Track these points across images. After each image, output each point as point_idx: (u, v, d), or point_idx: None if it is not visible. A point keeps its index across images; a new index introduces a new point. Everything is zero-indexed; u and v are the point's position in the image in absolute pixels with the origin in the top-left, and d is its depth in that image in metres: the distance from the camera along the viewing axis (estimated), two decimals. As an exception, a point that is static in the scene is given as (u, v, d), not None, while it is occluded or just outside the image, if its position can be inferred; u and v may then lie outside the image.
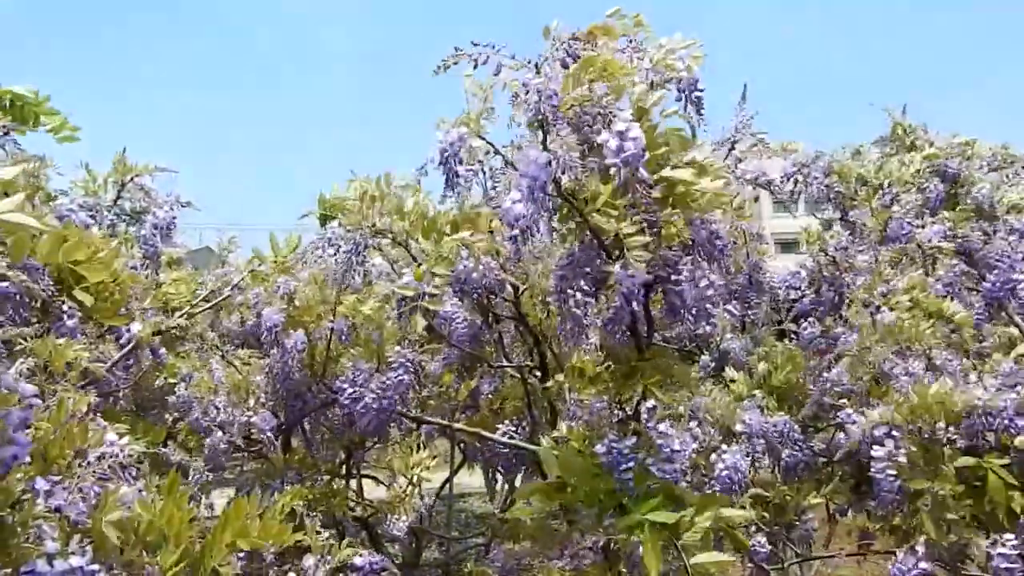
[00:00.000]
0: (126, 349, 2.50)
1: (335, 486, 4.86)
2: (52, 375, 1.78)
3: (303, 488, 4.41)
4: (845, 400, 3.27)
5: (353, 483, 5.67)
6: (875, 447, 2.63)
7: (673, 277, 2.71)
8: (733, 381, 3.67)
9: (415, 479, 5.00)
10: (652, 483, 2.62)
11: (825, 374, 3.26)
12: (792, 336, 4.11)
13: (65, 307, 2.33)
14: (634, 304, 2.43)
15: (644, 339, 2.92)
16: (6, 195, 1.53)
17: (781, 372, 3.71)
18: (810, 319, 3.73)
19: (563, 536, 4.08)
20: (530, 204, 2.27)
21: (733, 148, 3.58)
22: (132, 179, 3.20)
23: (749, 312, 3.98)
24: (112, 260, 1.99)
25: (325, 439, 5.65)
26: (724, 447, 3.02)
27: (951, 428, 2.70)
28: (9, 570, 1.34)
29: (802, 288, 4.14)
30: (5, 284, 2.09)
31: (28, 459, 1.42)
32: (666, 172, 2.45)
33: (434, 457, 5.03)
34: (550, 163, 2.29)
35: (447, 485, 6.21)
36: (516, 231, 2.32)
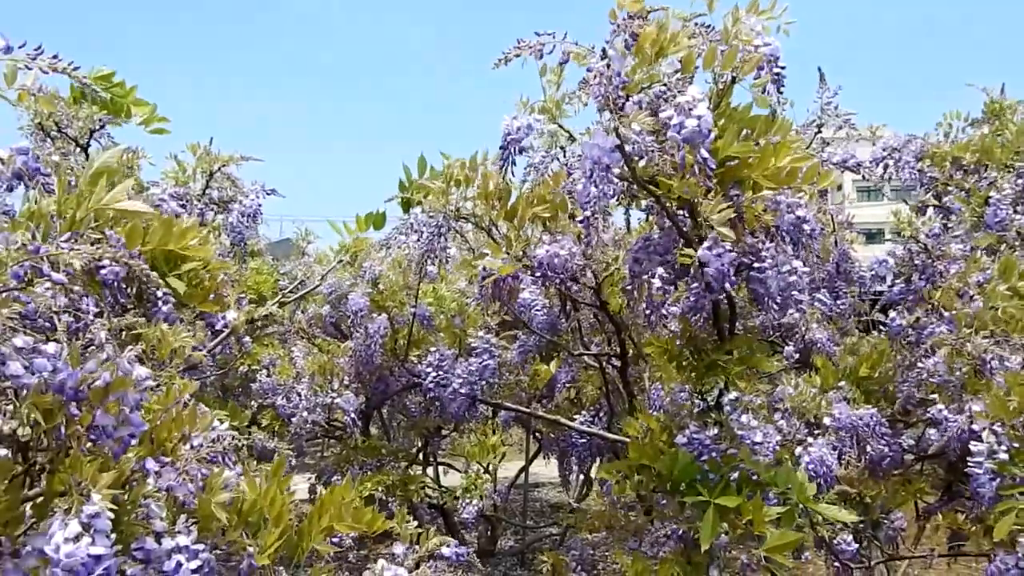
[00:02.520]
0: (222, 336, 2.57)
1: (412, 472, 4.95)
2: (158, 361, 1.84)
3: (381, 474, 4.51)
4: (936, 395, 3.15)
5: (429, 470, 5.77)
6: (973, 443, 2.52)
7: (756, 264, 2.64)
8: (817, 372, 3.58)
9: (491, 467, 5.05)
10: (732, 472, 2.59)
11: (920, 364, 3.14)
12: (880, 327, 3.97)
13: (160, 294, 2.41)
14: (727, 284, 2.38)
15: (727, 328, 2.87)
16: (112, 185, 1.59)
17: (868, 363, 3.60)
18: (899, 309, 3.60)
19: (639, 525, 4.05)
20: (596, 188, 2.23)
21: (820, 130, 3.47)
22: (220, 168, 3.29)
23: (836, 302, 3.88)
24: (208, 246, 2.04)
25: (402, 426, 5.75)
26: (810, 440, 2.95)
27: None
28: (120, 546, 1.39)
29: (889, 277, 4.00)
30: (105, 271, 2.18)
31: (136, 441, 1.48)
32: (734, 150, 2.38)
33: (509, 445, 5.07)
34: (617, 148, 2.26)
35: (522, 474, 6.25)
36: (586, 214, 2.30)
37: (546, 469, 6.92)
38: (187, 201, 3.17)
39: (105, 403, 1.33)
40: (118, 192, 1.38)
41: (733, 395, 2.75)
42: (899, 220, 3.58)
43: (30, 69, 1.28)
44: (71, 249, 1.24)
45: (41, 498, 1.42)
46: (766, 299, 2.63)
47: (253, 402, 4.60)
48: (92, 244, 1.33)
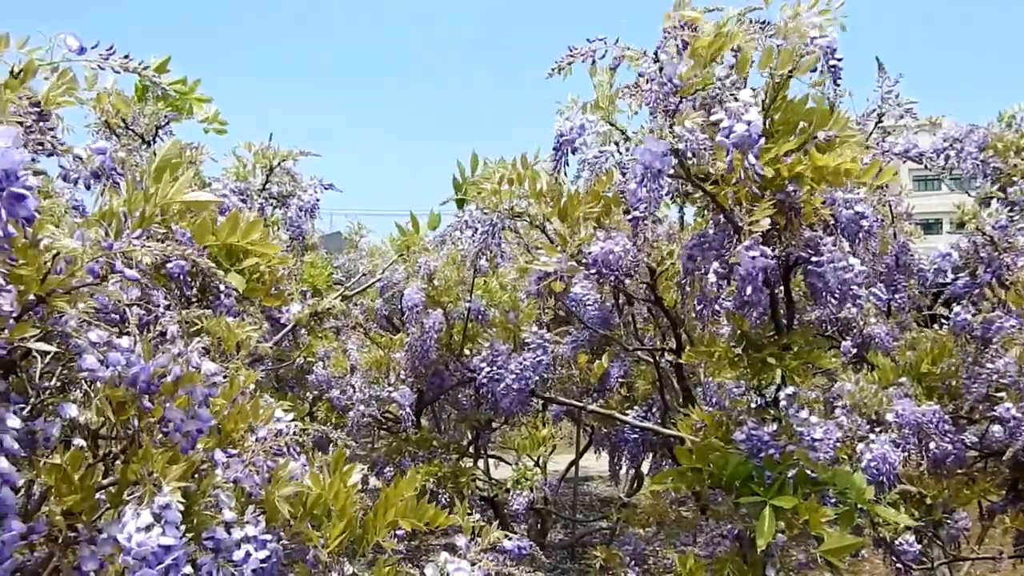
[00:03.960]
0: (287, 329, 2.62)
1: (463, 465, 4.98)
2: (224, 353, 1.88)
3: (432, 466, 4.54)
4: (1003, 392, 3.06)
5: (480, 462, 5.80)
6: (1043, 441, 2.45)
7: (814, 259, 2.61)
8: (875, 368, 3.51)
9: (541, 460, 5.06)
10: (790, 470, 2.56)
11: (990, 365, 3.06)
12: (942, 321, 3.87)
13: (222, 287, 2.47)
14: (750, 288, 2.36)
15: (784, 323, 2.83)
16: (176, 178, 1.63)
17: (930, 359, 3.51)
18: (964, 303, 3.50)
19: (690, 522, 4.02)
20: (647, 191, 2.23)
21: (880, 121, 3.39)
22: (279, 164, 3.35)
23: (895, 296, 3.79)
24: (273, 243, 2.08)
25: (452, 419, 5.79)
26: (871, 437, 2.89)
27: None
28: (191, 535, 1.42)
29: (951, 270, 3.90)
30: (172, 265, 2.23)
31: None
32: (789, 146, 2.35)
33: (559, 439, 5.07)
34: (669, 152, 2.25)
35: (572, 467, 6.25)
36: (636, 214, 2.30)
37: (596, 463, 6.91)
38: (247, 196, 3.24)
39: (175, 397, 1.37)
40: (182, 185, 1.42)
41: (791, 390, 2.71)
42: (963, 211, 3.49)
43: (103, 69, 1.32)
44: (142, 245, 1.27)
45: (115, 487, 1.47)
46: (824, 293, 2.60)
47: (308, 394, 4.67)
48: (161, 239, 1.37)
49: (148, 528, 1.27)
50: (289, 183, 3.41)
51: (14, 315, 1.16)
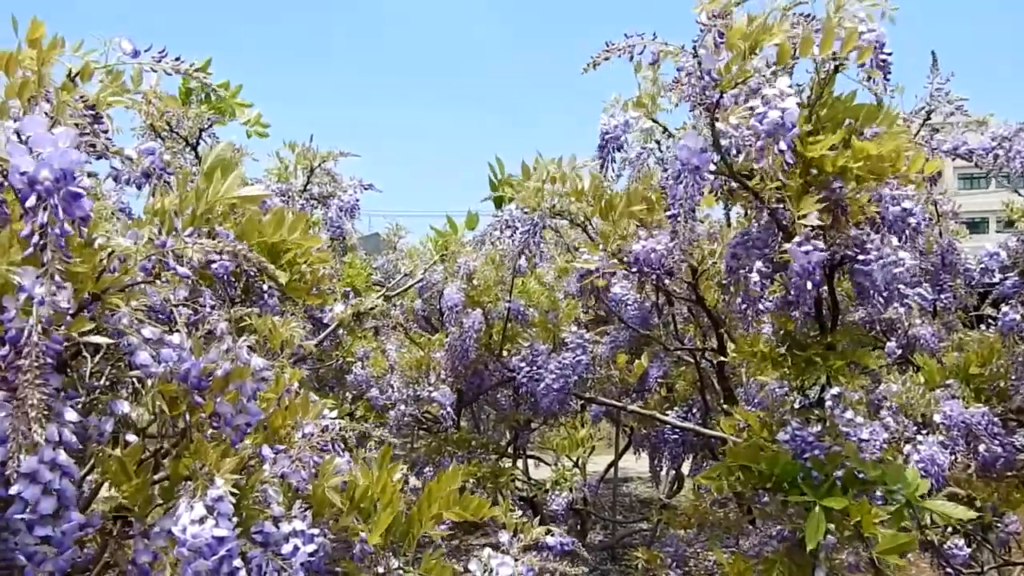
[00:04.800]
0: (330, 328, 2.65)
1: (502, 465, 4.98)
2: (269, 352, 1.91)
3: (471, 465, 4.55)
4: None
5: (519, 463, 5.80)
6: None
7: (860, 257, 2.57)
8: (920, 369, 3.45)
9: (580, 461, 5.05)
10: (836, 470, 2.52)
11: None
12: (989, 322, 3.79)
13: (265, 286, 2.51)
14: (809, 283, 2.33)
15: (829, 322, 2.80)
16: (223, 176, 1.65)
17: (978, 360, 3.44)
18: (1012, 303, 3.42)
19: (732, 523, 3.98)
20: (684, 188, 2.22)
21: (929, 118, 3.33)
22: (320, 165, 3.39)
23: (941, 296, 3.72)
24: (316, 237, 2.10)
25: (491, 419, 5.80)
26: (919, 438, 2.84)
27: None
28: (240, 529, 1.44)
29: (999, 270, 3.82)
30: (216, 265, 2.27)
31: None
32: (833, 140, 2.31)
33: (598, 440, 5.05)
34: (708, 148, 2.23)
35: (611, 468, 6.22)
36: (673, 212, 2.28)
37: (635, 464, 6.87)
38: (289, 197, 3.28)
39: (225, 392, 1.39)
40: (232, 182, 1.44)
41: (836, 391, 2.67)
42: (1012, 210, 3.42)
43: (155, 72, 1.34)
44: (195, 243, 1.29)
45: (167, 482, 1.50)
46: (871, 292, 2.56)
47: (348, 394, 4.71)
48: (213, 239, 1.39)
49: (202, 520, 1.30)
50: (329, 184, 3.45)
51: (71, 311, 1.19)
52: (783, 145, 2.03)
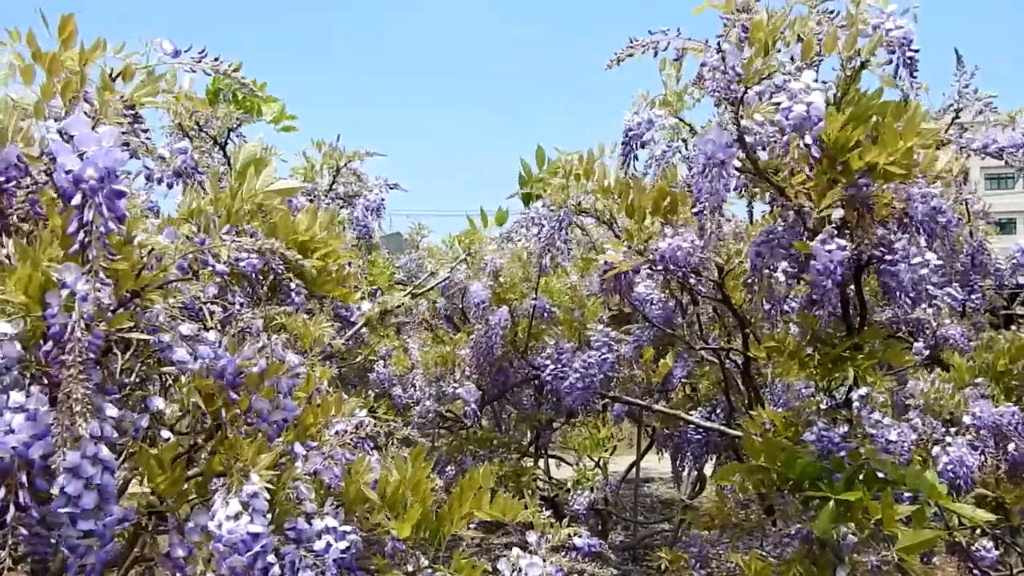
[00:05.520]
0: (358, 327, 2.67)
1: (523, 464, 4.98)
2: (299, 350, 1.93)
3: (493, 464, 4.56)
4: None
5: (540, 462, 5.80)
6: None
7: (888, 256, 2.55)
8: (948, 369, 3.41)
9: (601, 461, 5.04)
10: (858, 471, 2.50)
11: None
12: (1020, 322, 3.76)
13: (293, 284, 2.53)
14: (831, 282, 2.31)
15: (856, 322, 2.78)
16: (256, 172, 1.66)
17: (1007, 359, 3.40)
18: (1042, 303, 3.39)
19: (755, 524, 3.95)
20: (710, 183, 2.21)
21: (957, 116, 3.29)
22: (346, 164, 3.41)
23: (970, 296, 3.68)
24: (340, 236, 2.12)
25: (513, 418, 5.80)
26: (948, 439, 2.81)
27: None
28: (273, 526, 1.46)
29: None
30: (244, 263, 2.29)
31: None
32: (857, 134, 2.30)
33: (619, 440, 5.04)
34: (734, 143, 2.22)
35: (633, 468, 6.21)
36: (700, 207, 2.27)
37: (657, 464, 6.85)
38: (315, 196, 3.30)
39: (261, 388, 1.41)
40: (267, 176, 1.46)
41: (863, 391, 2.65)
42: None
43: (194, 72, 1.36)
44: (232, 240, 1.31)
45: (200, 477, 1.51)
46: (897, 292, 2.54)
47: (370, 392, 4.73)
48: (252, 237, 1.40)
49: (237, 516, 1.31)
50: (355, 183, 3.47)
51: (111, 308, 1.21)
52: (808, 139, 2.02)
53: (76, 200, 1.05)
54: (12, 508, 1.07)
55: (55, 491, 1.14)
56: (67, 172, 1.05)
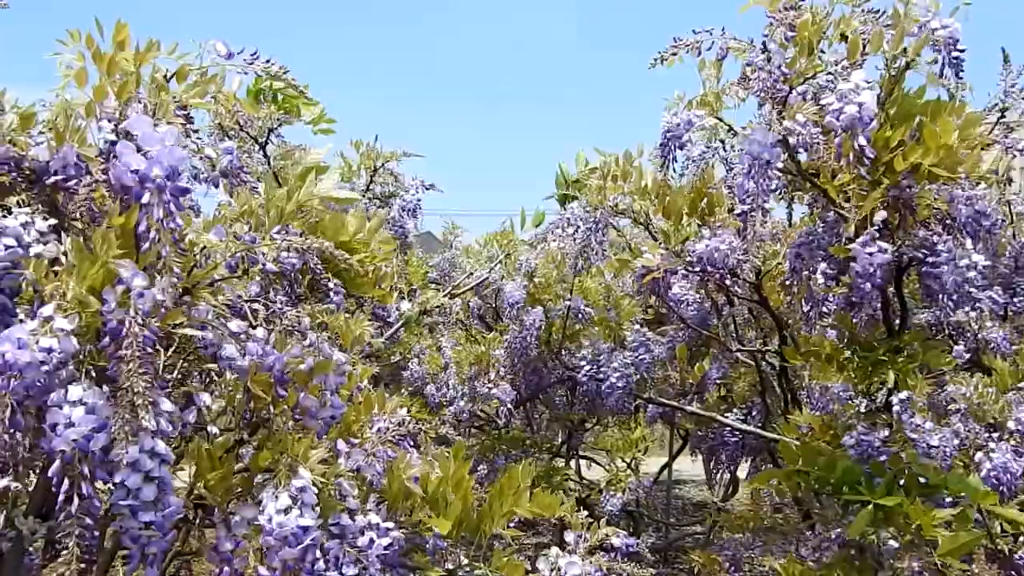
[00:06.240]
0: (397, 325, 2.70)
1: (555, 464, 4.98)
2: (341, 349, 1.95)
3: (526, 465, 4.55)
4: None
5: (572, 463, 5.80)
6: None
7: (930, 259, 2.52)
8: (991, 373, 3.36)
9: (633, 462, 5.03)
10: (899, 474, 2.48)
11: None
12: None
13: (331, 284, 2.55)
14: (870, 284, 2.29)
15: (896, 325, 2.75)
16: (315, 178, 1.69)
17: (1050, 362, 3.34)
18: (1089, 307, 3.32)
19: (790, 528, 3.92)
20: (755, 184, 2.19)
21: (1003, 116, 3.24)
22: (383, 164, 3.44)
23: (1013, 300, 3.62)
24: (376, 238, 2.14)
25: (545, 417, 5.81)
26: (991, 444, 2.76)
27: None
28: (321, 520, 1.47)
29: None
30: (284, 261, 2.32)
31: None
32: (900, 133, 2.27)
33: (651, 441, 5.01)
34: (778, 143, 2.21)
35: (664, 470, 6.18)
36: (743, 209, 2.26)
37: (689, 466, 6.82)
38: (352, 197, 3.32)
39: (309, 386, 1.43)
40: (326, 182, 1.49)
41: (905, 394, 2.62)
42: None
43: (246, 74, 1.38)
44: (283, 239, 1.33)
45: (247, 472, 1.54)
46: (940, 294, 2.51)
47: (403, 390, 4.76)
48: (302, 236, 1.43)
49: (287, 510, 1.33)
50: (392, 183, 3.50)
51: (165, 305, 1.23)
52: (862, 140, 2.01)
53: (145, 199, 1.08)
54: (76, 499, 1.10)
55: (111, 484, 1.17)
56: (133, 171, 1.07)
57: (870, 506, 2.35)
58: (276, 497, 1.34)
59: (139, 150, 1.09)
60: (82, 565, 1.11)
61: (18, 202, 1.39)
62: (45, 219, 1.31)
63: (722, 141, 2.66)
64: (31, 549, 1.60)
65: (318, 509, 1.42)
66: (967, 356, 3.80)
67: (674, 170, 2.53)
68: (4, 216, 1.31)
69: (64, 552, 1.13)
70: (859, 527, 2.31)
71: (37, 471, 1.40)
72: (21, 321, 1.22)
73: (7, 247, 1.26)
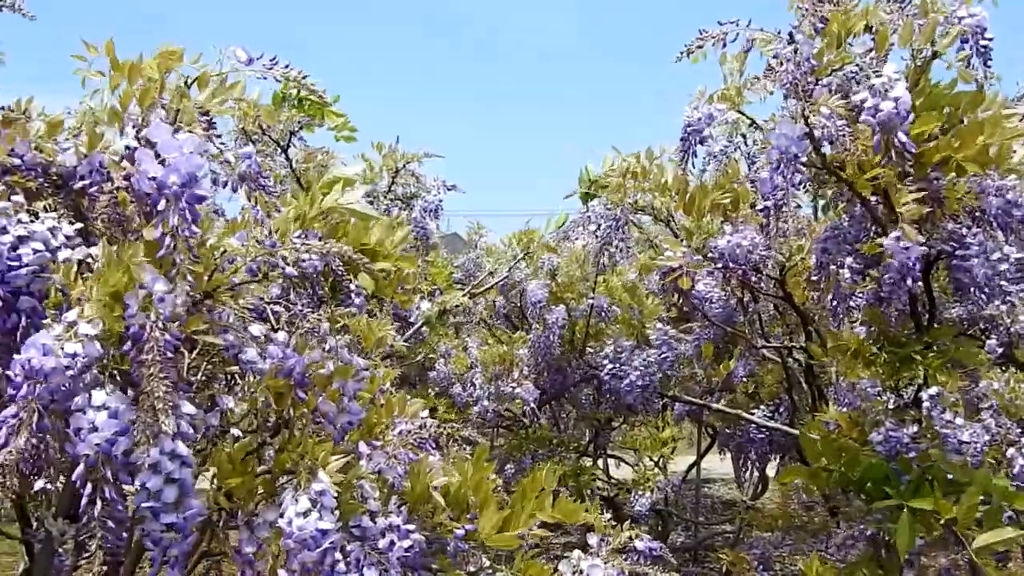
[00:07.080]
0: (416, 327, 2.71)
1: (582, 463, 4.97)
2: (363, 351, 1.96)
3: (552, 464, 4.55)
4: None
5: (600, 462, 5.78)
6: None
7: (959, 252, 2.48)
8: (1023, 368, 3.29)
9: (662, 461, 5.00)
10: (927, 470, 2.43)
11: None
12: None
13: (353, 286, 2.57)
14: (909, 279, 2.26)
15: (925, 320, 2.71)
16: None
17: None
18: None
19: (819, 526, 3.88)
20: (783, 178, 2.17)
21: (1034, 104, 3.17)
22: (404, 166, 3.46)
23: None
24: (401, 240, 2.14)
25: (572, 417, 5.80)
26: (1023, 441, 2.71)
27: None
28: (340, 523, 1.48)
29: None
30: (306, 264, 2.34)
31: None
32: (932, 128, 2.23)
33: (680, 439, 4.99)
34: (805, 136, 2.18)
35: (693, 469, 6.14)
36: (767, 204, 2.24)
37: (717, 465, 6.77)
38: (374, 198, 3.35)
39: (328, 391, 1.44)
40: (351, 195, 1.50)
41: (935, 390, 2.58)
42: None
43: (265, 79, 1.39)
44: (303, 244, 1.34)
45: (268, 475, 1.55)
46: (971, 288, 2.48)
47: (430, 390, 4.77)
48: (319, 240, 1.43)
49: (306, 513, 1.34)
50: (414, 184, 3.51)
51: (186, 309, 1.24)
52: (902, 136, 1.98)
53: (162, 205, 1.09)
54: (99, 502, 1.12)
55: (133, 487, 1.18)
56: (151, 178, 1.09)
57: (906, 511, 2.31)
58: (296, 500, 1.35)
59: (158, 157, 1.10)
60: (105, 568, 1.12)
61: (45, 207, 1.42)
62: (71, 224, 1.34)
63: (743, 136, 2.64)
64: (61, 550, 1.63)
65: (338, 512, 1.42)
66: (1000, 351, 3.73)
67: (694, 165, 2.51)
68: (32, 221, 1.34)
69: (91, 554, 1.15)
70: (905, 540, 2.26)
71: (65, 473, 1.43)
72: (48, 325, 1.24)
73: (36, 251, 1.28)
